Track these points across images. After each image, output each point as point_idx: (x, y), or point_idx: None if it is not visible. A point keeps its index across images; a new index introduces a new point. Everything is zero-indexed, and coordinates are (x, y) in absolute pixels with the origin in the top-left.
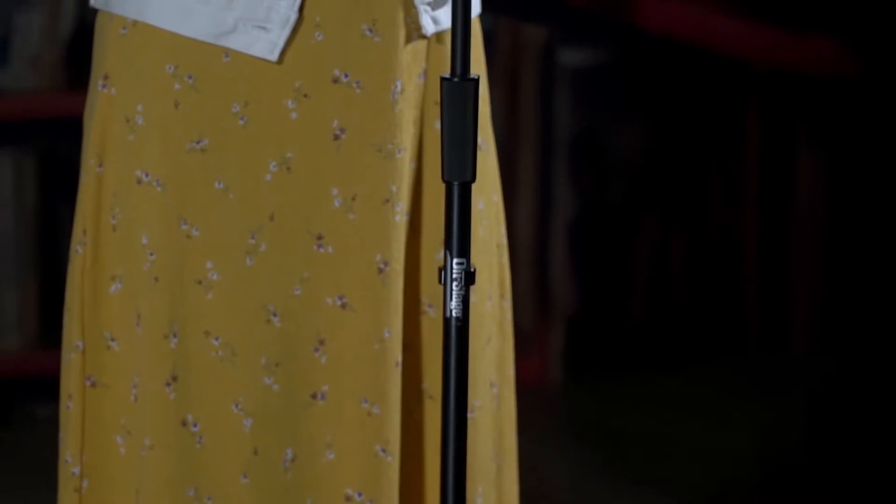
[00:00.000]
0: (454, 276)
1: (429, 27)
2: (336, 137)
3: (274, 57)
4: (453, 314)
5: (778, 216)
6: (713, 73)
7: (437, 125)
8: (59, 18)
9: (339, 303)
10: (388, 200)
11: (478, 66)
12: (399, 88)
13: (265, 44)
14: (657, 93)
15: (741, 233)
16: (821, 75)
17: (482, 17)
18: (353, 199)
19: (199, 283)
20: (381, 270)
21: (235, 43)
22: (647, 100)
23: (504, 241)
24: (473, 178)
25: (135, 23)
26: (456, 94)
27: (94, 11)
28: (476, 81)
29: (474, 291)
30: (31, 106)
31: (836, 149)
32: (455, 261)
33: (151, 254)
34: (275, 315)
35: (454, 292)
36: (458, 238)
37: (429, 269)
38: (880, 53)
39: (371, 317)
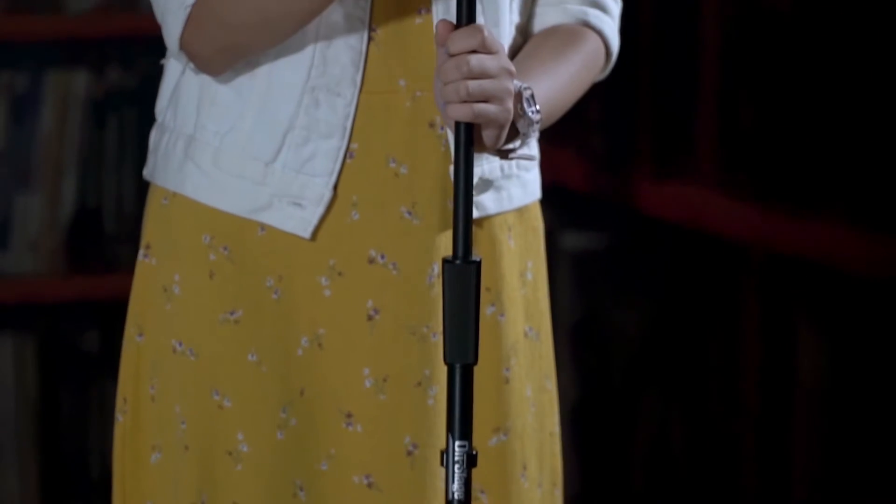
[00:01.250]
0: (456, 458)
1: None
2: (370, 318)
3: (307, 234)
4: (455, 497)
5: (778, 397)
6: (712, 255)
7: (487, 310)
8: (60, 203)
9: (365, 482)
10: (420, 383)
11: (530, 252)
12: (436, 272)
13: (299, 221)
14: (657, 275)
15: (741, 413)
16: (820, 259)
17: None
18: (385, 380)
19: (230, 454)
20: (409, 453)
21: (269, 218)
22: (647, 282)
23: (557, 429)
24: (475, 361)
25: (175, 194)
26: (457, 276)
27: (94, 197)
28: (478, 264)
29: (526, 479)
30: (30, 290)
31: (837, 331)
32: (457, 443)
33: (183, 422)
34: (301, 489)
35: (456, 475)
36: (461, 420)
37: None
38: (880, 237)
39: (398, 498)
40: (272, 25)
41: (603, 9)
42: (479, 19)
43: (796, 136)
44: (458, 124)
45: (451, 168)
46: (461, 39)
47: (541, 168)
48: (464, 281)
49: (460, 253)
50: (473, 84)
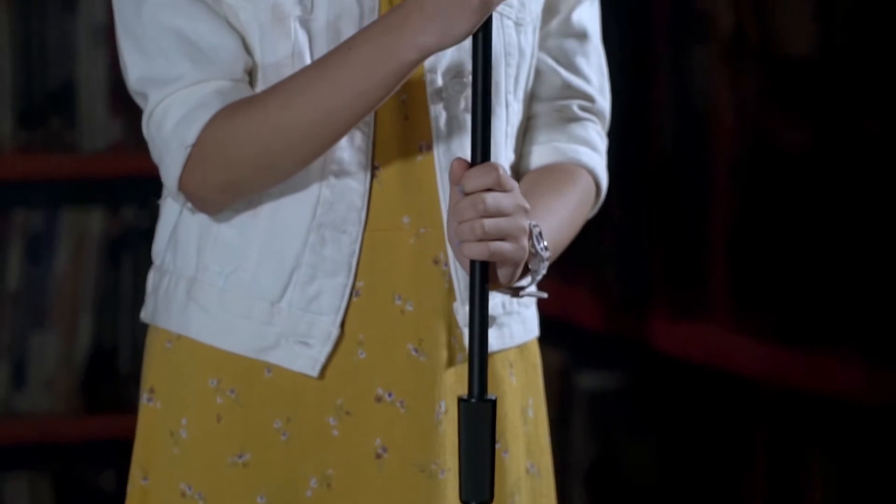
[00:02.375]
0: None
1: None
2: (378, 456)
3: (315, 373)
4: None
5: None
6: (727, 393)
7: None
8: (75, 342)
9: None
10: None
11: (531, 389)
12: (443, 409)
13: (307, 360)
14: (672, 414)
15: None
16: (835, 396)
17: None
18: None
19: None
20: None
21: (277, 358)
22: (663, 421)
23: None
24: (491, 499)
25: (179, 337)
26: (473, 414)
27: (110, 336)
28: (493, 403)
29: None
30: (46, 429)
31: (851, 470)
32: None
33: None
34: None
35: None
36: None
37: None
38: (888, 371)
39: None
40: (278, 165)
41: (593, 147)
42: None
43: (808, 273)
44: (473, 263)
45: (454, 305)
46: (477, 178)
47: (555, 307)
48: (480, 419)
49: (476, 391)
50: (489, 223)
